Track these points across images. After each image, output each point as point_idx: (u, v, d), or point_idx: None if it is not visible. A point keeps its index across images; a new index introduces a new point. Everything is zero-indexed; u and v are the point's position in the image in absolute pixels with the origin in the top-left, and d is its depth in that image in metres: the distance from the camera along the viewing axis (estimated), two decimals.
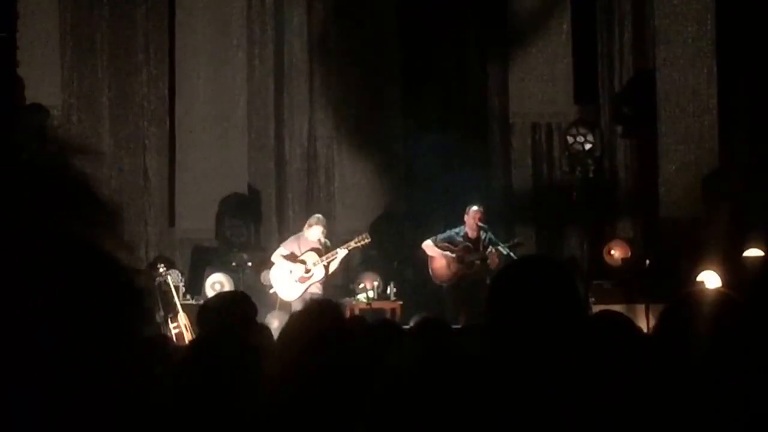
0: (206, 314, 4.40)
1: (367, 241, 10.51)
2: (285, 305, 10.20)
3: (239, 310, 4.34)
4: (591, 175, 11.86)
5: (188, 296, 10.85)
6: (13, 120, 8.49)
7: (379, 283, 10.93)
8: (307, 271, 10.34)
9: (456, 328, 7.81)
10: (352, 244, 10.43)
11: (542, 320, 2.52)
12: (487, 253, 10.44)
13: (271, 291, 10.48)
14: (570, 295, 2.59)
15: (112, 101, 11.98)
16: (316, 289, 10.33)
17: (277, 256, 10.46)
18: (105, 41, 11.93)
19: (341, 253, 10.33)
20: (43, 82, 11.27)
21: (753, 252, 10.14)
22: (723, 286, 9.41)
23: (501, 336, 2.59)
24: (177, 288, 10.52)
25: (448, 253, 10.60)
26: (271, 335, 5.67)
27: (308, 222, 10.51)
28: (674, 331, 2.47)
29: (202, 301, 10.46)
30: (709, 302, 2.54)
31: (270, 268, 10.63)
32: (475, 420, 2.32)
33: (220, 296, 5.21)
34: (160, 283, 10.57)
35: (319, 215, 10.59)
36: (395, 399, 2.20)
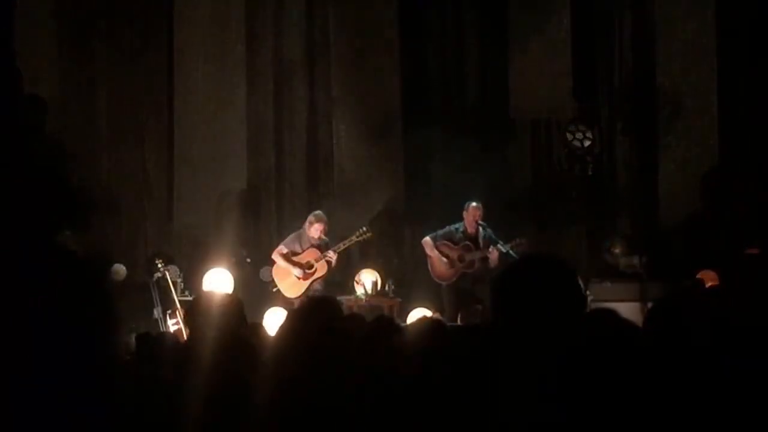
0: (192, 316, 4.38)
1: (368, 235, 10.52)
2: (288, 303, 10.20)
3: (228, 311, 4.32)
4: (590, 172, 11.83)
5: (187, 292, 10.83)
6: (14, 112, 8.48)
7: (377, 280, 10.92)
8: (310, 267, 10.36)
9: (454, 326, 7.80)
10: (354, 239, 10.46)
11: (546, 319, 2.51)
12: (487, 252, 10.42)
13: (274, 290, 10.48)
14: (574, 293, 2.59)
15: (110, 93, 11.92)
16: (319, 286, 10.36)
17: (277, 255, 10.48)
18: (103, 32, 11.88)
19: (342, 248, 10.38)
20: (40, 73, 11.23)
21: (752, 251, 10.13)
22: (722, 284, 9.40)
23: (506, 334, 2.58)
24: (175, 284, 10.50)
25: (447, 251, 10.59)
26: (266, 333, 5.66)
27: (308, 219, 10.53)
28: (662, 327, 2.47)
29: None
30: (697, 299, 2.54)
31: (270, 265, 10.64)
32: (472, 418, 2.30)
33: (205, 298, 5.19)
34: (158, 279, 10.56)
35: (319, 212, 10.60)
36: (392, 397, 2.18)
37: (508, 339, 2.54)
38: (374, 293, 10.71)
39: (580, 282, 2.66)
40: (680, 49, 11.93)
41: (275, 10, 12.33)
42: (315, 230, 10.39)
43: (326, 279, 10.51)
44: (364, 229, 10.60)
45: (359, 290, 10.74)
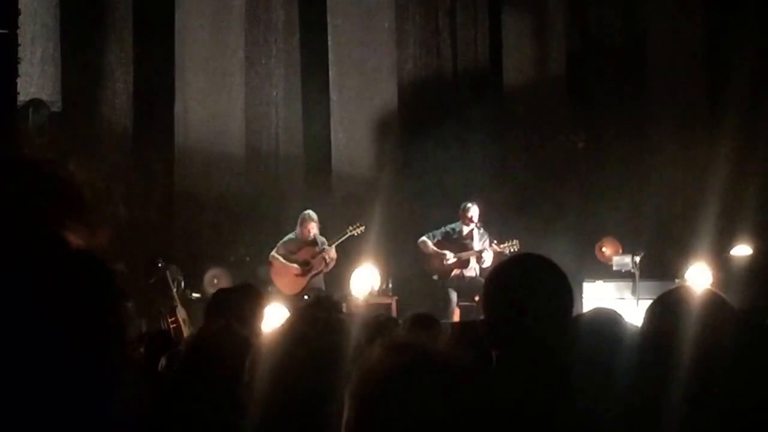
0: (215, 305, 4.47)
1: (361, 228, 10.64)
2: (287, 301, 10.31)
3: (247, 304, 4.43)
4: (584, 171, 11.92)
5: (187, 291, 10.90)
6: (13, 116, 8.55)
7: (375, 279, 11.00)
8: (307, 264, 10.48)
9: (450, 324, 7.91)
10: (348, 232, 10.59)
11: (535, 316, 2.61)
12: (482, 252, 10.53)
13: (270, 289, 10.58)
14: (562, 291, 2.68)
15: (112, 95, 11.97)
16: (318, 283, 10.50)
17: (274, 256, 10.60)
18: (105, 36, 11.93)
19: (337, 242, 10.52)
20: (44, 77, 11.28)
21: (742, 249, 10.24)
22: (712, 283, 9.50)
23: (496, 332, 2.68)
24: (176, 282, 10.58)
25: (443, 250, 10.68)
26: (264, 330, 5.76)
27: (299, 219, 10.64)
28: (658, 327, 2.52)
29: (200, 295, 10.60)
30: (693, 299, 2.58)
31: (268, 266, 10.74)
32: (463, 417, 2.41)
33: (229, 290, 5.28)
34: (158, 278, 10.63)
35: (310, 211, 10.68)
36: (379, 396, 2.27)
37: (497, 336, 2.64)
38: (373, 293, 10.79)
39: (569, 282, 2.76)
40: (672, 54, 12.03)
41: (275, 16, 12.41)
42: (307, 229, 10.53)
43: (326, 276, 10.64)
44: (358, 223, 10.72)
45: (358, 290, 10.83)
